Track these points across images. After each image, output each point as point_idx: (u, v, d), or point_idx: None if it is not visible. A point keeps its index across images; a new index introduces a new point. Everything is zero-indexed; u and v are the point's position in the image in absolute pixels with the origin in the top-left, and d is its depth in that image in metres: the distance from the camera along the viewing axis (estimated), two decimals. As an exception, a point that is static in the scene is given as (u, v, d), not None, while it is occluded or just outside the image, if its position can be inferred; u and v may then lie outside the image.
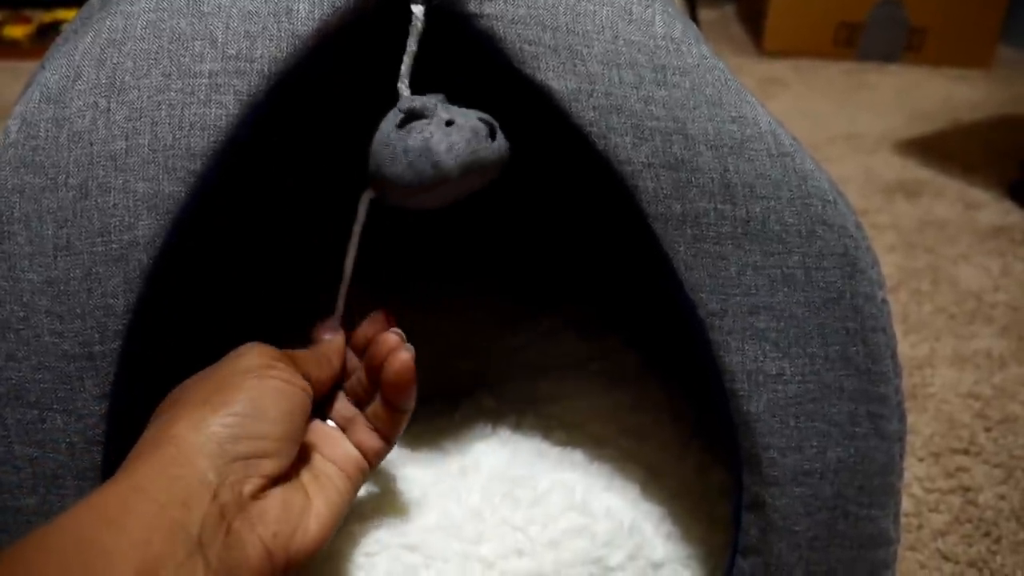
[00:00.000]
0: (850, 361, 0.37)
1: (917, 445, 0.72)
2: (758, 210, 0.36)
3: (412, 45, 0.36)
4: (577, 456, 0.47)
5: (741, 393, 0.36)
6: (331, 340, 0.40)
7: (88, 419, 0.31)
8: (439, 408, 0.51)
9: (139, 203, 0.31)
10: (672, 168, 0.36)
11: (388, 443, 0.39)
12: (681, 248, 0.36)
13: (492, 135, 0.36)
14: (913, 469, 0.69)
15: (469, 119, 0.36)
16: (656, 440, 0.49)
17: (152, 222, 0.31)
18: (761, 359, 0.36)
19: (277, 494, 0.32)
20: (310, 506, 0.34)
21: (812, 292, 0.37)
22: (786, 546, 0.37)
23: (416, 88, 0.37)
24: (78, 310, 0.31)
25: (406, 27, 0.37)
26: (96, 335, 0.31)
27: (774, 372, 0.37)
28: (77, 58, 0.32)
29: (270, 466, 0.32)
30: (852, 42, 1.79)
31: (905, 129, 1.43)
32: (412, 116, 0.35)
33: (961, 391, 0.78)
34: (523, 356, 0.57)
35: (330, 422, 0.39)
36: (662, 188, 0.36)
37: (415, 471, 0.46)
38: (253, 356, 0.34)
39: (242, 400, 0.31)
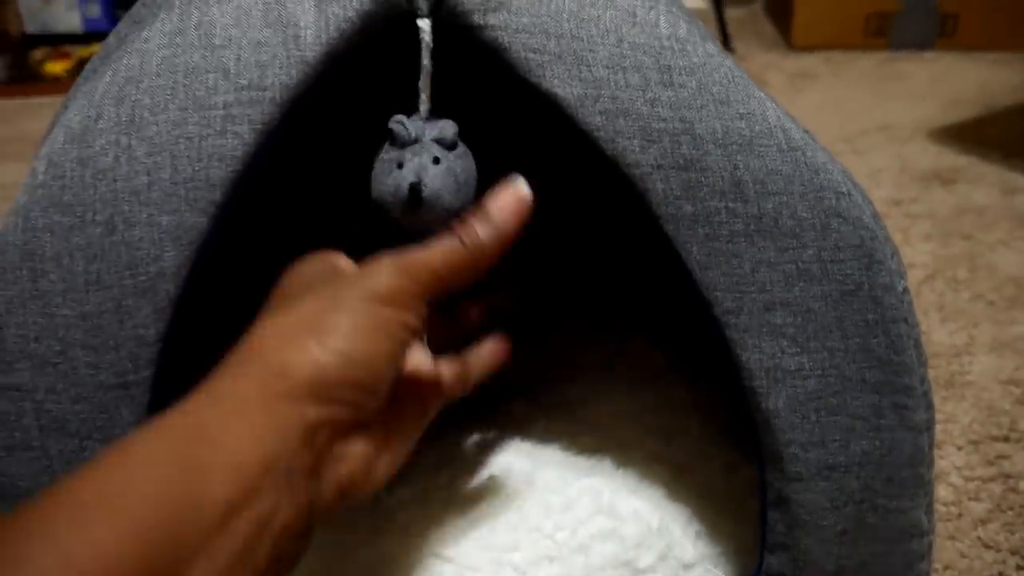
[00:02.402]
0: (871, 353, 0.37)
1: (956, 434, 0.71)
2: (770, 206, 0.36)
3: (426, 60, 0.37)
4: (605, 461, 0.47)
5: (760, 390, 0.37)
6: (496, 215, 0.35)
7: (125, 444, 0.33)
8: (468, 415, 0.52)
9: (164, 235, 0.32)
10: (681, 169, 0.36)
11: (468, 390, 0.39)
12: (694, 248, 0.36)
13: (414, 202, 0.35)
14: (952, 458, 0.68)
15: (448, 161, 0.36)
16: (683, 440, 0.50)
17: (177, 253, 0.32)
18: (779, 355, 0.37)
19: (359, 440, 0.31)
20: (383, 453, 0.32)
21: (829, 285, 0.37)
22: (814, 541, 0.38)
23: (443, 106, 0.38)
24: (111, 342, 0.32)
25: (411, 42, 0.37)
26: (129, 364, 0.32)
27: (792, 368, 0.37)
28: (97, 98, 0.34)
29: (363, 413, 0.31)
30: (883, 32, 1.77)
31: (940, 117, 1.41)
32: (401, 142, 0.35)
33: (1001, 378, 0.77)
34: (550, 359, 0.57)
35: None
36: (672, 189, 0.36)
37: (446, 478, 0.47)
38: (383, 280, 0.31)
39: (356, 340, 0.29)
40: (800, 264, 0.37)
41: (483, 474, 0.48)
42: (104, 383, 0.32)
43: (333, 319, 0.30)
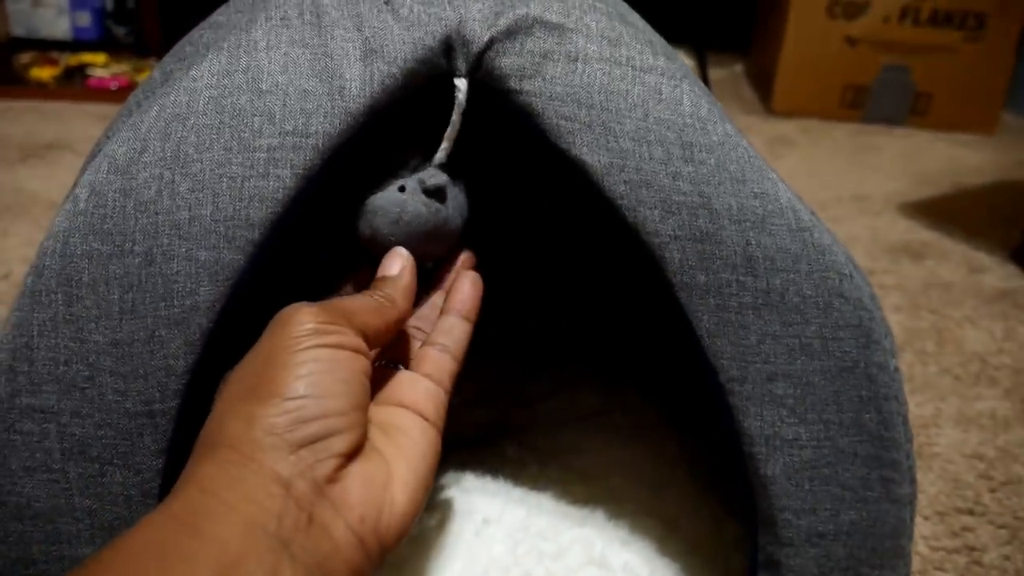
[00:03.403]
0: (863, 428, 0.39)
1: (923, 504, 0.73)
2: (778, 282, 0.38)
3: (456, 116, 0.39)
4: (598, 511, 0.48)
5: (758, 456, 0.38)
6: (398, 276, 0.36)
7: (146, 473, 0.33)
8: (461, 458, 0.53)
9: (201, 270, 0.33)
10: (697, 241, 0.38)
11: (458, 362, 0.37)
12: (704, 316, 0.38)
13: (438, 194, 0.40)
14: (919, 528, 0.70)
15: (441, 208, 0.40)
16: (673, 493, 0.51)
17: (212, 288, 0.33)
18: (778, 424, 0.38)
19: (355, 471, 0.30)
20: (392, 475, 0.31)
21: (828, 361, 0.39)
22: (801, 605, 0.39)
23: (454, 155, 0.40)
24: (141, 370, 0.33)
25: (445, 99, 0.39)
26: (157, 394, 0.33)
27: (790, 437, 0.38)
28: (143, 131, 0.35)
29: (342, 443, 0.29)
30: (859, 104, 1.84)
31: (910, 191, 1.46)
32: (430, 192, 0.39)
33: (966, 451, 0.80)
34: (544, 406, 0.58)
35: (391, 363, 0.37)
36: (688, 259, 0.38)
37: (437, 520, 0.48)
38: (297, 323, 0.30)
39: (293, 381, 0.29)
40: (803, 339, 0.38)
41: (476, 518, 0.48)
42: (130, 410, 0.33)
43: (268, 374, 0.29)
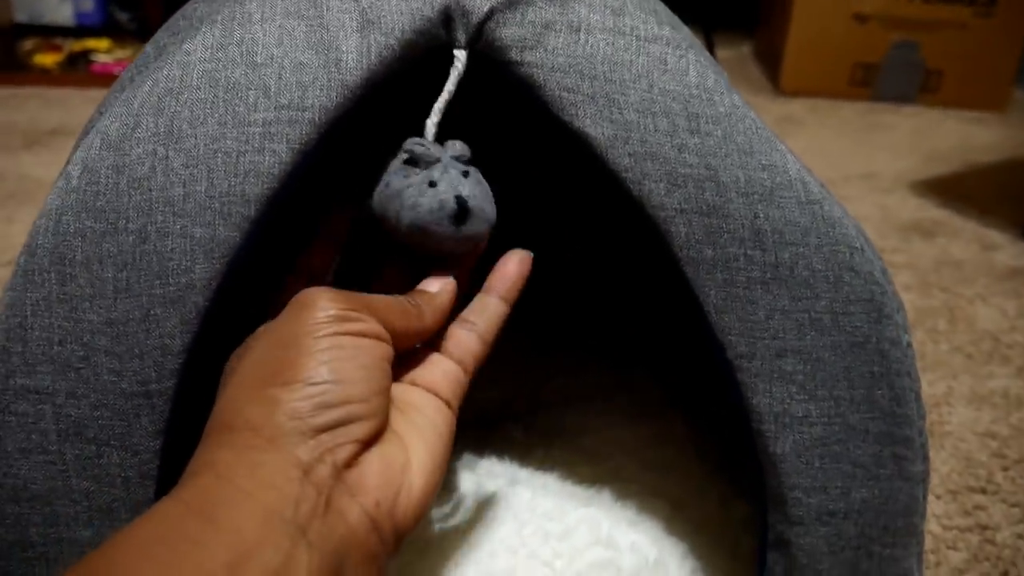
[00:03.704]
0: (875, 404, 0.38)
1: (935, 482, 0.73)
2: (787, 256, 0.37)
3: (450, 85, 0.38)
4: (604, 492, 0.48)
5: (768, 434, 0.37)
6: (435, 294, 0.35)
7: (143, 455, 0.33)
8: (468, 440, 0.52)
9: (196, 247, 0.32)
10: (704, 214, 0.37)
11: (486, 344, 0.36)
12: (712, 292, 0.37)
13: (463, 216, 0.36)
14: (931, 506, 0.70)
15: (474, 175, 0.37)
16: (679, 474, 0.50)
17: (208, 266, 0.32)
18: (788, 401, 0.37)
19: (374, 456, 0.30)
20: (410, 459, 0.31)
21: (839, 336, 0.38)
22: (811, 584, 0.38)
23: (449, 129, 0.38)
24: (136, 350, 0.32)
25: (445, 72, 0.38)
26: (153, 374, 0.32)
27: (800, 414, 0.38)
28: (136, 106, 0.34)
29: (362, 430, 0.29)
30: (868, 82, 1.82)
31: (921, 169, 1.45)
32: (424, 162, 0.36)
33: (978, 430, 0.79)
34: (550, 387, 0.58)
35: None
36: (694, 233, 0.37)
37: (447, 502, 0.47)
38: (319, 308, 0.30)
39: (316, 366, 0.29)
40: (812, 314, 0.38)
41: (483, 499, 0.48)
42: (126, 391, 0.32)
43: (289, 358, 0.29)
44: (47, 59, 1.74)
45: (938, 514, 0.68)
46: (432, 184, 0.36)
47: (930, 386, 0.84)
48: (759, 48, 2.12)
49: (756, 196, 0.37)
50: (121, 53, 1.78)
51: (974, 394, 0.83)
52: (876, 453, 0.38)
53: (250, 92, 0.34)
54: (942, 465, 0.75)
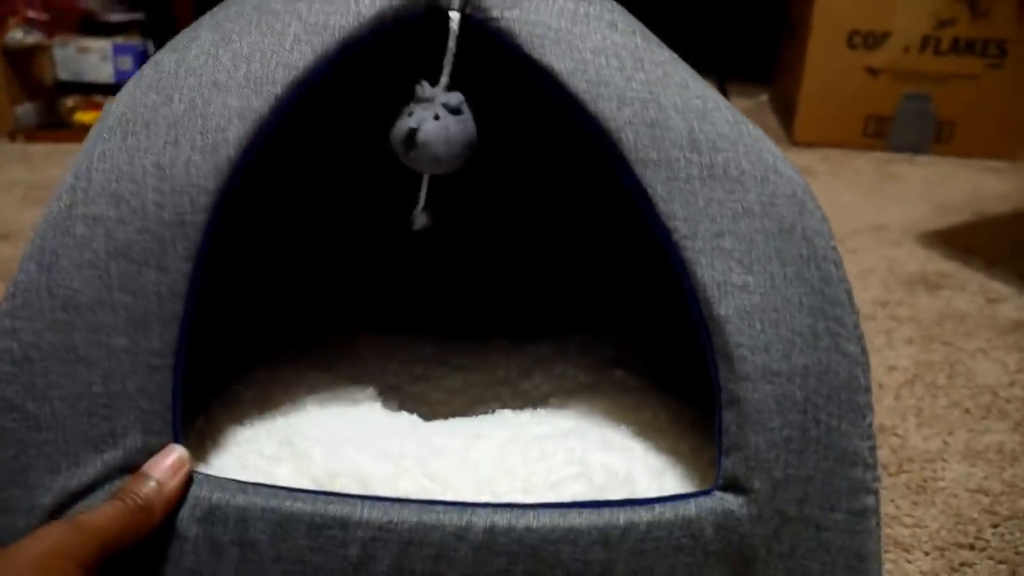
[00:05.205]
0: (806, 280, 0.44)
1: (923, 539, 0.73)
2: (720, 159, 0.45)
3: (452, 44, 0.47)
4: (587, 431, 0.52)
5: (712, 300, 0.43)
6: (167, 483, 0.37)
7: (175, 275, 0.39)
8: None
9: (231, 111, 0.41)
10: (649, 126, 0.45)
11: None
12: (658, 186, 0.44)
13: (409, 143, 0.46)
14: (918, 563, 0.70)
15: (445, 120, 0.47)
16: (655, 429, 0.54)
17: (240, 126, 0.41)
18: (728, 272, 0.43)
19: None
20: None
21: (769, 223, 0.44)
22: (763, 441, 0.42)
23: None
24: (177, 187, 0.40)
25: (436, 35, 0.48)
26: (189, 207, 0.39)
27: (740, 284, 0.43)
28: (200, 28, 0.44)
29: None
30: (881, 134, 1.85)
31: (931, 221, 1.45)
32: (416, 98, 0.47)
33: (971, 486, 0.79)
34: (526, 384, 0.62)
35: None
36: (640, 140, 0.45)
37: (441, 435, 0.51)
38: (51, 539, 0.33)
39: None
40: (744, 204, 0.44)
41: (468, 434, 0.52)
42: (166, 220, 0.39)
43: None
44: (87, 116, 1.81)
45: (924, 571, 0.68)
46: (410, 115, 0.46)
47: (925, 441, 0.85)
48: (775, 98, 2.14)
49: (692, 115, 0.46)
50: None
51: (969, 449, 0.84)
52: (812, 324, 0.43)
53: (286, 16, 0.44)
54: (932, 521, 0.75)
